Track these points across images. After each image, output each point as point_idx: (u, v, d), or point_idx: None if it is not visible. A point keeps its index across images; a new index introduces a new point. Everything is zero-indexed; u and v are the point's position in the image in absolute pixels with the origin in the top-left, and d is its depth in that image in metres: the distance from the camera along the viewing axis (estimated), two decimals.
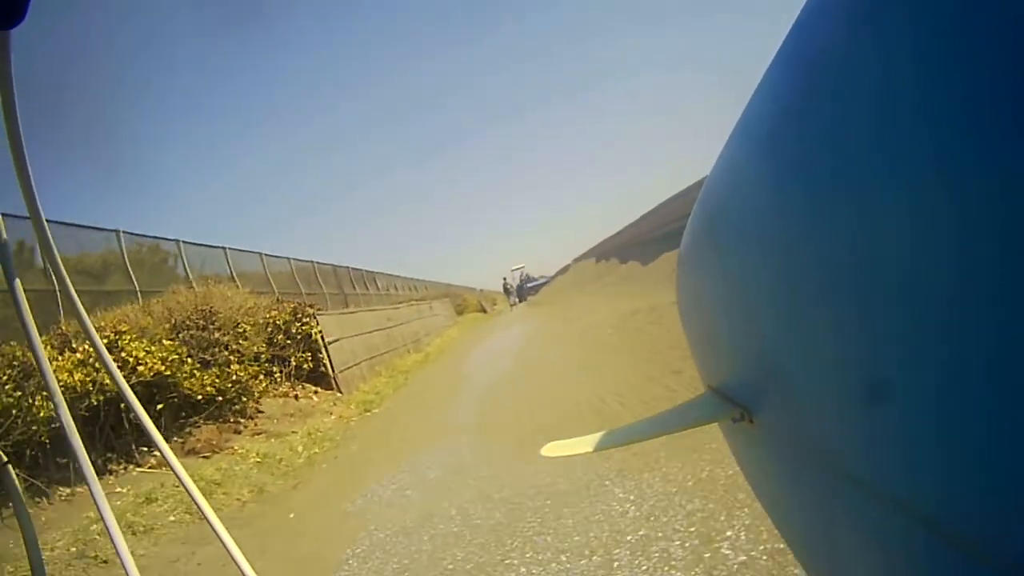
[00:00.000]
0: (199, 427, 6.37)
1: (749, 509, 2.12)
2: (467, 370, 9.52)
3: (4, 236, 0.79)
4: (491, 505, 2.91)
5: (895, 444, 0.36)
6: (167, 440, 5.36)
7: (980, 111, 0.26)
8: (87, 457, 0.86)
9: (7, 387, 4.91)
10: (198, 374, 6.22)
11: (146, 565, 3.59)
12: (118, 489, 5.08)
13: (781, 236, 0.47)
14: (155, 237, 10.51)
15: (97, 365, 5.59)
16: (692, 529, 2.19)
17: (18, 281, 0.79)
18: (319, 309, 9.71)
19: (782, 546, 1.74)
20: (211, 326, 6.70)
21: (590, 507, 2.60)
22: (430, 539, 2.73)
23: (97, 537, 4.08)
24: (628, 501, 2.54)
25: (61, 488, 4.99)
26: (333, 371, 8.79)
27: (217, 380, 6.44)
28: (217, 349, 6.64)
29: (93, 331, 0.95)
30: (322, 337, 8.72)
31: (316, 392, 8.60)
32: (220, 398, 6.39)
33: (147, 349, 6.01)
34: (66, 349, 5.71)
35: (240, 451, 5.99)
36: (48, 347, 5.83)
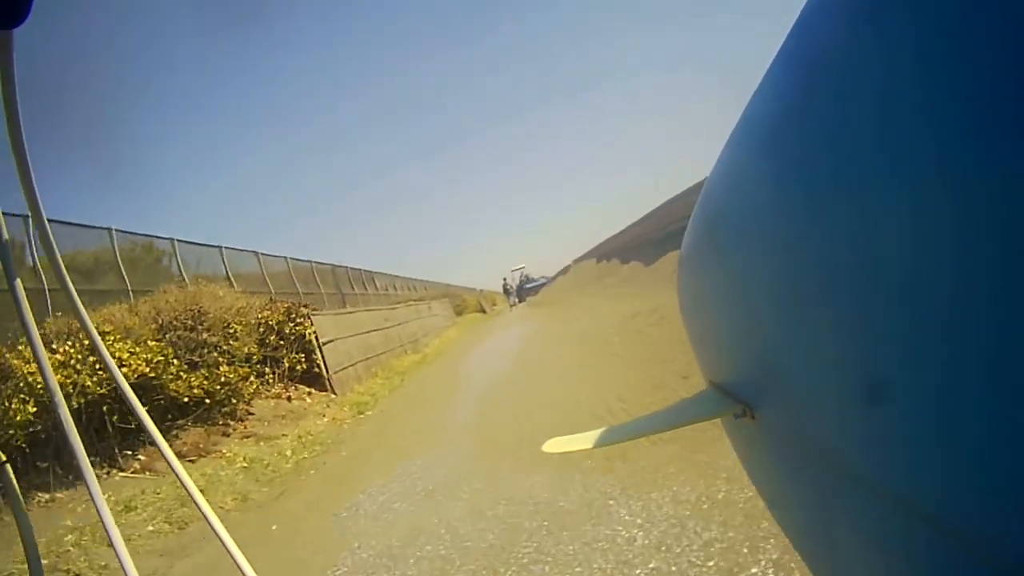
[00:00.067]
0: (187, 430, 6.18)
1: (776, 540, 1.88)
2: (464, 372, 9.34)
3: (5, 236, 0.79)
4: (484, 524, 2.68)
5: (895, 442, 0.35)
6: (151, 444, 5.08)
7: (980, 111, 0.26)
8: (86, 456, 0.87)
9: None
10: (184, 376, 6.03)
11: None
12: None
13: (782, 234, 0.47)
14: (149, 235, 10.38)
15: (79, 367, 5.41)
16: (711, 563, 1.94)
17: (19, 280, 0.79)
18: (314, 309, 9.52)
19: None
20: (199, 326, 6.49)
21: (593, 531, 2.35)
22: (415, 563, 2.50)
23: (71, 549, 3.87)
24: (635, 526, 2.29)
25: (40, 494, 4.79)
26: (327, 372, 8.61)
27: (205, 382, 6.26)
28: (206, 350, 6.43)
29: (94, 330, 0.94)
30: (316, 338, 8.54)
31: (310, 393, 8.41)
32: (208, 400, 6.20)
33: (131, 350, 5.81)
34: (47, 350, 5.49)
35: (228, 455, 5.80)
36: (27, 347, 5.59)
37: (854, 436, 0.41)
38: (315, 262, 15.23)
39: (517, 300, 35.60)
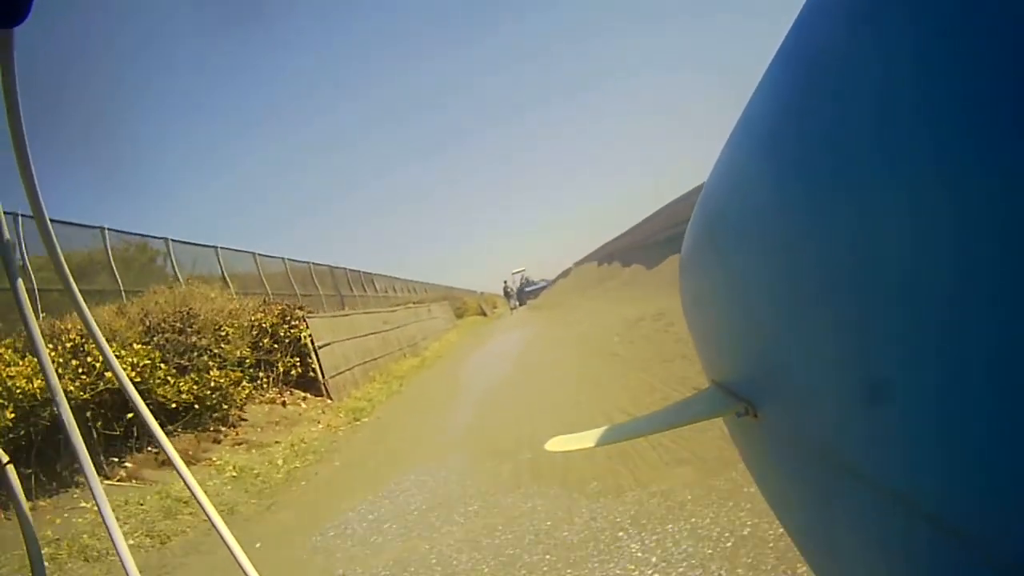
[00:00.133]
0: (176, 436, 5.98)
1: None
2: (464, 377, 9.13)
3: (7, 235, 0.79)
4: (479, 555, 2.43)
5: (897, 440, 0.36)
6: (139, 450, 4.87)
7: (980, 111, 0.26)
8: (88, 456, 0.86)
9: None
10: (173, 380, 5.83)
11: None
12: (82, 504, 4.67)
13: (782, 234, 0.47)
14: (142, 235, 10.24)
15: (61, 371, 5.22)
16: None
17: (20, 281, 0.79)
18: (310, 312, 9.32)
19: None
20: (189, 329, 6.28)
21: (601, 570, 2.08)
22: None
23: (47, 563, 3.65)
24: (649, 565, 2.01)
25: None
26: (323, 376, 8.40)
27: (195, 387, 6.06)
28: (195, 354, 6.22)
29: (97, 330, 0.95)
30: (312, 341, 8.34)
31: (305, 398, 8.21)
32: (198, 406, 6.00)
33: (117, 354, 5.60)
34: (28, 353, 5.30)
35: (218, 463, 5.60)
36: (11, 351, 5.43)
37: (855, 435, 0.41)
38: (313, 263, 15.06)
39: (517, 303, 35.51)
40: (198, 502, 1.00)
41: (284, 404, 7.75)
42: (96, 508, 0.90)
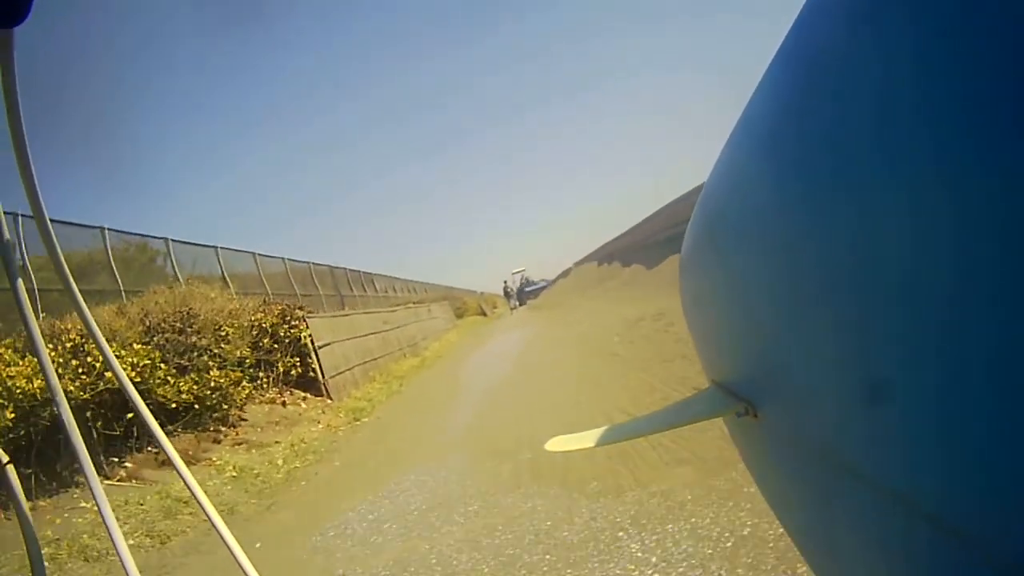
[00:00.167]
0: (176, 436, 5.98)
1: None
2: (464, 377, 9.13)
3: (7, 236, 0.79)
4: (479, 555, 2.43)
5: (897, 440, 0.35)
6: (139, 450, 4.87)
7: (980, 111, 0.26)
8: (88, 456, 0.87)
9: None
10: (173, 380, 5.83)
11: None
12: (82, 504, 4.67)
13: (782, 233, 0.47)
14: (142, 235, 10.25)
15: (60, 371, 5.21)
16: None
17: (21, 281, 0.79)
18: (310, 312, 9.32)
19: None
20: (189, 329, 6.28)
21: (601, 570, 2.08)
22: None
23: (47, 563, 3.66)
24: (650, 565, 2.01)
25: None
26: (323, 376, 8.40)
27: (195, 387, 6.06)
28: (195, 354, 6.22)
29: (97, 330, 0.96)
30: (312, 341, 8.34)
31: (305, 398, 8.21)
32: (198, 406, 6.00)
33: (116, 354, 5.59)
34: (28, 353, 5.30)
35: (218, 463, 5.60)
36: (11, 351, 5.43)
37: (855, 435, 0.41)
38: (313, 263, 15.05)
39: (517, 303, 35.48)
40: (198, 502, 1.00)
41: (284, 404, 7.75)
42: (96, 508, 0.90)
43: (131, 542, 4.06)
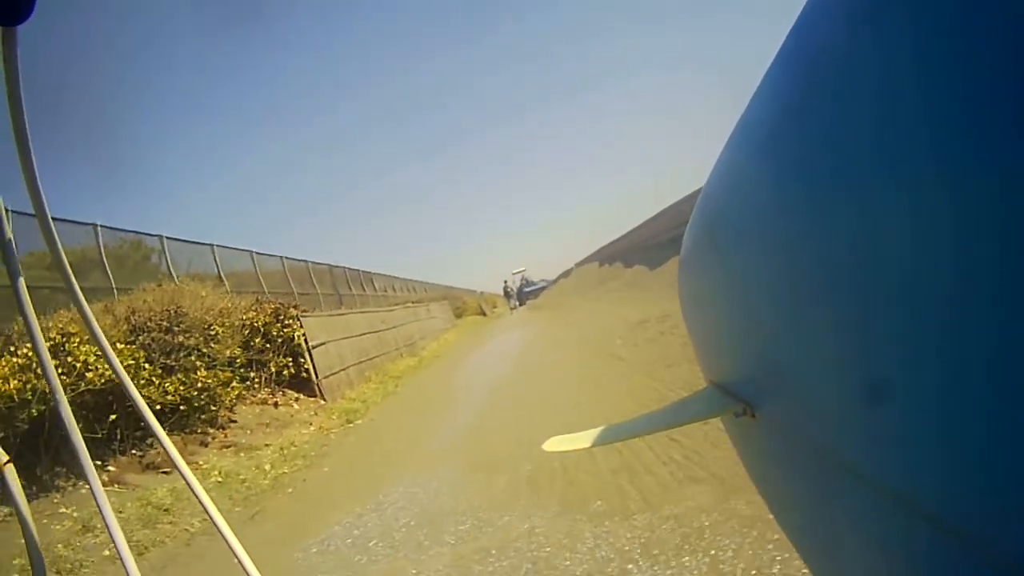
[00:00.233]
0: None
1: None
2: (461, 378, 8.93)
3: (9, 235, 0.79)
4: None
5: (896, 440, 0.36)
6: (123, 453, 4.63)
7: (980, 111, 0.26)
8: (88, 455, 0.86)
9: None
10: (157, 381, 5.62)
11: None
12: (62, 510, 4.45)
13: (782, 234, 0.47)
14: (137, 232, 10.11)
15: (39, 372, 5.01)
16: None
17: (22, 279, 0.80)
18: (304, 311, 9.12)
19: None
20: (176, 328, 6.06)
21: None
22: None
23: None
24: None
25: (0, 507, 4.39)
26: (316, 377, 8.20)
27: (181, 388, 5.86)
28: (182, 353, 6.00)
29: (98, 329, 0.96)
30: (305, 340, 8.14)
31: (298, 399, 8.01)
32: (184, 407, 5.80)
33: (98, 353, 5.38)
34: (6, 352, 5.09)
35: (204, 467, 5.40)
36: None
37: (854, 435, 0.40)
38: (311, 262, 14.89)
39: (517, 303, 35.43)
40: (199, 500, 0.98)
41: (276, 405, 7.55)
42: (96, 508, 0.88)
43: (106, 553, 3.86)
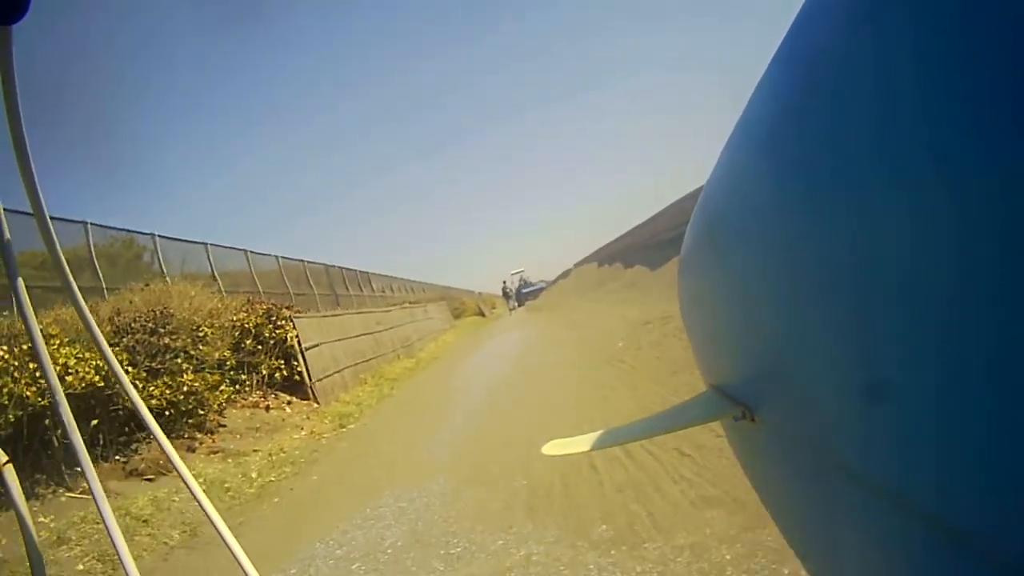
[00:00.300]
0: (148, 444, 5.56)
1: None
2: (459, 381, 8.71)
3: (7, 234, 0.79)
4: None
5: (896, 443, 0.35)
6: (105, 459, 4.39)
7: (980, 111, 0.26)
8: (87, 456, 0.86)
9: None
10: (142, 384, 5.41)
11: None
12: (40, 519, 4.23)
13: (782, 235, 0.47)
14: (128, 230, 9.95)
15: (16, 374, 4.80)
16: None
17: (20, 279, 0.79)
18: (298, 311, 8.91)
19: None
20: (162, 329, 5.84)
21: None
22: None
23: None
24: None
25: None
26: (310, 379, 7.98)
27: (167, 391, 5.64)
28: (168, 356, 5.79)
29: (96, 329, 0.95)
30: (298, 342, 7.92)
31: (290, 402, 7.80)
32: (170, 412, 5.58)
33: (79, 356, 5.17)
34: None
35: (190, 473, 5.18)
36: None
37: (854, 438, 0.40)
38: (308, 261, 14.70)
39: (516, 304, 35.27)
40: (197, 499, 0.97)
41: (267, 409, 7.34)
42: (96, 507, 0.88)
43: (80, 567, 3.66)
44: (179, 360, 5.88)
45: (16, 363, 4.85)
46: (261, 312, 7.67)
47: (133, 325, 5.77)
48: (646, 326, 7.15)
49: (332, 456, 5.37)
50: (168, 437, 4.67)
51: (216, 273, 10.79)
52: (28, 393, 4.77)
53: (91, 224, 8.66)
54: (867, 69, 0.34)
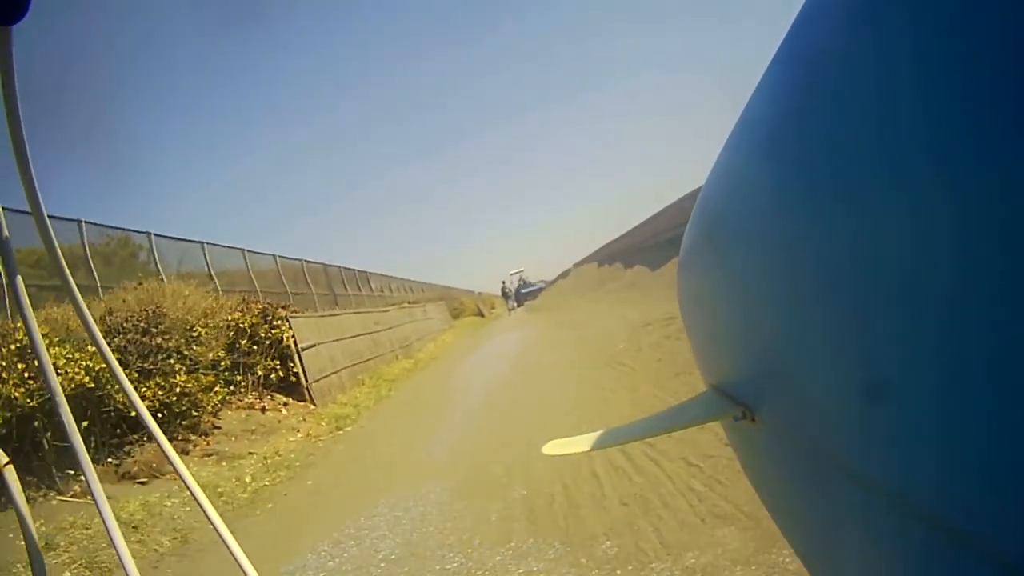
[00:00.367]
0: (141, 446, 5.46)
1: None
2: (457, 381, 8.61)
3: (6, 233, 0.79)
4: None
5: (896, 443, 0.35)
6: (96, 462, 4.30)
7: (980, 111, 0.26)
8: (88, 457, 0.86)
9: None
10: (132, 386, 5.28)
11: None
12: (10, 534, 4.09)
13: (781, 235, 0.47)
14: (124, 229, 9.86)
15: (5, 375, 4.70)
16: None
17: (20, 278, 0.79)
18: (295, 311, 8.80)
19: None
20: (155, 329, 5.73)
21: None
22: None
23: None
24: None
25: None
26: (306, 380, 7.87)
27: (160, 392, 5.54)
28: (160, 356, 5.68)
29: (95, 328, 0.95)
30: (295, 342, 7.81)
31: (286, 404, 7.69)
32: (163, 413, 5.48)
33: (69, 356, 5.06)
34: None
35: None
36: None
37: (854, 437, 0.40)
38: (306, 261, 14.60)
39: (515, 304, 35.24)
40: (197, 501, 0.96)
41: (263, 410, 7.23)
42: (96, 508, 0.87)
43: (67, 575, 3.56)
44: (172, 361, 5.77)
45: (4, 363, 4.75)
46: (257, 312, 7.56)
47: (125, 325, 5.66)
48: (647, 327, 7.05)
49: (328, 460, 5.26)
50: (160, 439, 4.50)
51: (213, 272, 10.69)
52: (17, 394, 4.67)
53: (86, 222, 8.57)
54: (867, 69, 0.34)
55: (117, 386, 5.25)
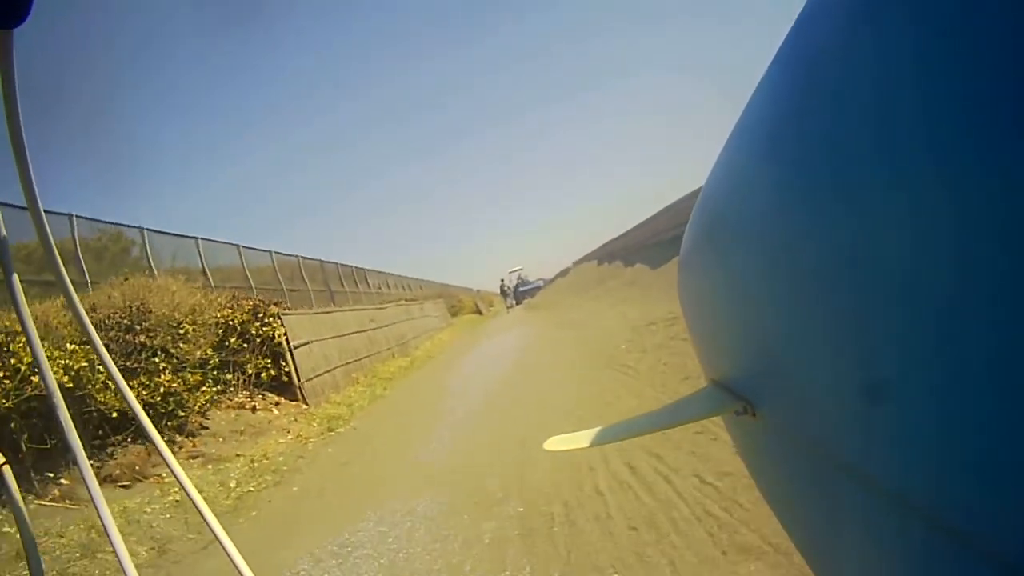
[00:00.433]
0: (123, 448, 5.25)
1: None
2: (454, 380, 8.40)
3: (3, 232, 0.78)
4: None
5: (895, 439, 0.35)
6: (76, 464, 4.12)
7: (980, 111, 0.26)
8: (85, 457, 0.87)
9: None
10: (112, 386, 5.08)
11: None
12: (5, 529, 3.90)
13: (782, 232, 0.47)
14: (116, 224, 9.63)
15: None
16: None
17: (16, 276, 0.80)
18: (287, 308, 8.58)
19: None
20: (138, 327, 5.51)
21: None
22: None
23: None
24: None
25: None
26: (298, 379, 7.66)
27: (143, 392, 5.33)
28: (145, 355, 5.46)
29: (91, 327, 0.95)
30: (287, 340, 7.59)
31: (278, 404, 7.48)
32: (146, 413, 5.26)
33: (48, 354, 4.82)
34: None
35: (166, 480, 4.91)
36: None
37: (854, 433, 0.40)
38: (303, 257, 14.37)
39: (514, 302, 35.18)
40: (192, 501, 0.95)
41: (254, 410, 7.02)
42: (95, 508, 0.85)
43: None
44: (156, 359, 5.55)
45: None
46: (247, 308, 7.34)
47: (107, 322, 5.43)
48: (650, 327, 6.83)
49: (317, 464, 5.05)
50: (145, 442, 4.31)
51: (207, 268, 10.48)
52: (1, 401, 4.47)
53: (76, 216, 8.35)
54: (867, 70, 0.34)
55: (99, 385, 5.05)
